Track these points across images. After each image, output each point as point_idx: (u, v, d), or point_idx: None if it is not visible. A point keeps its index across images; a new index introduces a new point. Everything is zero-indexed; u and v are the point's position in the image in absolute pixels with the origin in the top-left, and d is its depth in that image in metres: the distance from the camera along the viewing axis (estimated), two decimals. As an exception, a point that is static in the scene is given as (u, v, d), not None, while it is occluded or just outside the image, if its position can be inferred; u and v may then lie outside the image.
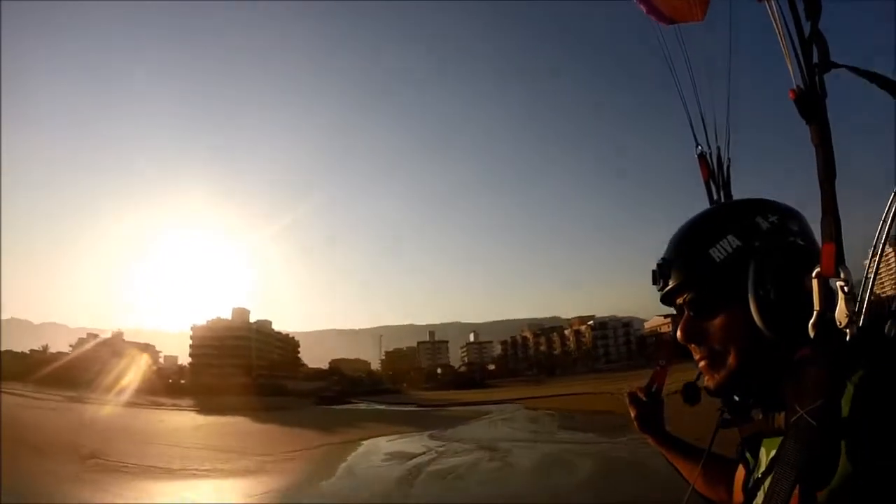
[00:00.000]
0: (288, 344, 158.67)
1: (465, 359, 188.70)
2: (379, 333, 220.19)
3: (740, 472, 1.25)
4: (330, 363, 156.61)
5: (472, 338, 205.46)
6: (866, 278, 1.16)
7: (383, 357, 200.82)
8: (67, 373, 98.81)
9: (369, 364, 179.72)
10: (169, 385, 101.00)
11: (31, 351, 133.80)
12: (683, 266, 1.09)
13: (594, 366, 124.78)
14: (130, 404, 58.32)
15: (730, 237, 1.03)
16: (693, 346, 1.09)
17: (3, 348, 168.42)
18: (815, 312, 0.89)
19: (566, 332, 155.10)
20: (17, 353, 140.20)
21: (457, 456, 25.89)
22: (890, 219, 1.09)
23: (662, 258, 1.14)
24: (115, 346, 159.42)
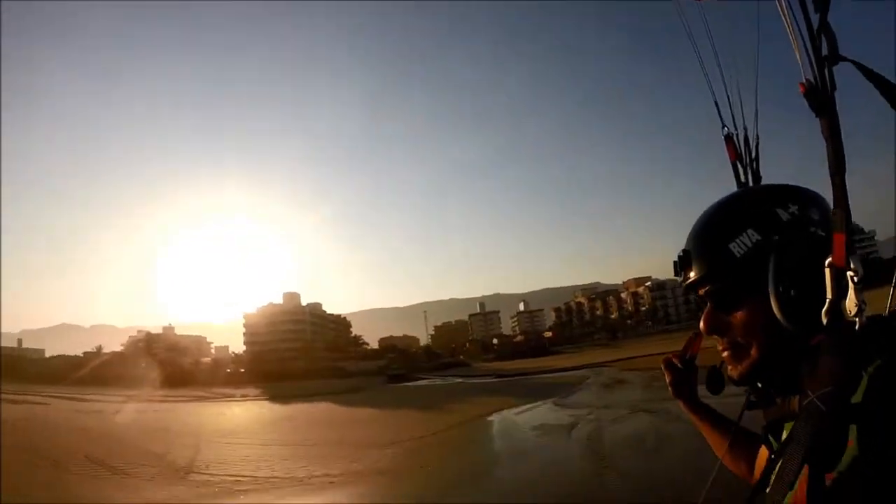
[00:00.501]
0: (341, 325, 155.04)
1: (517, 328, 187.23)
2: (423, 310, 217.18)
3: (763, 451, 1.29)
4: (380, 341, 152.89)
5: (521, 307, 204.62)
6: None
7: (432, 332, 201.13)
8: (124, 371, 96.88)
9: (418, 340, 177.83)
10: (228, 375, 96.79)
11: (85, 353, 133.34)
12: (703, 260, 1.08)
13: (657, 327, 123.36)
14: (198, 398, 53.82)
15: (749, 231, 1.03)
16: (716, 336, 1.11)
17: (55, 353, 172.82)
18: (827, 300, 0.90)
19: (622, 295, 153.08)
20: (69, 357, 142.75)
21: (618, 423, 22.00)
22: None
23: (683, 250, 1.13)
24: (167, 341, 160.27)
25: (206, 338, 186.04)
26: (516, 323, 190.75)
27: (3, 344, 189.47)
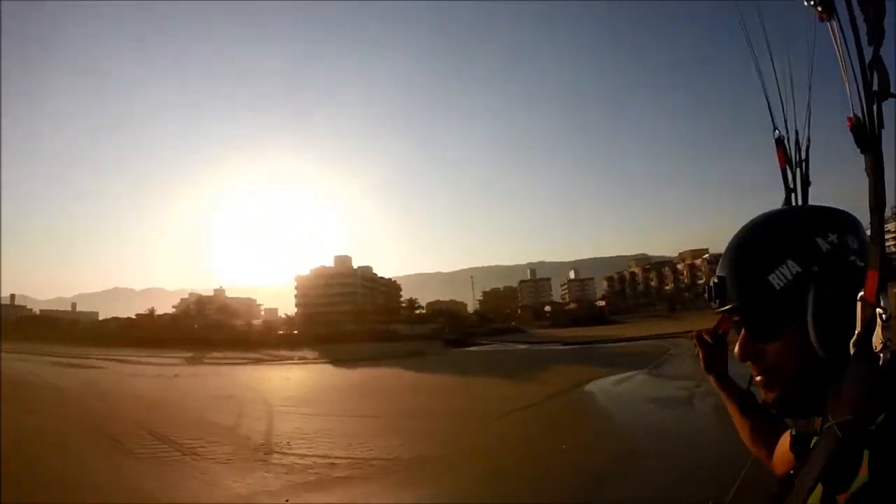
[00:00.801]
0: (391, 288, 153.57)
1: (567, 296, 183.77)
2: (469, 275, 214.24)
3: (784, 440, 1.31)
4: (427, 306, 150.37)
5: (572, 275, 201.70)
6: None
7: (480, 297, 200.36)
8: (177, 333, 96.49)
9: (465, 305, 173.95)
10: (281, 337, 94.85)
11: (137, 315, 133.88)
12: (741, 289, 1.06)
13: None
14: (254, 360, 51.76)
15: (790, 262, 1.00)
16: (750, 363, 1.10)
17: (109, 315, 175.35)
18: (856, 333, 0.90)
19: (678, 266, 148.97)
20: (122, 319, 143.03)
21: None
22: None
23: (718, 275, 1.11)
24: (218, 303, 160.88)
25: (255, 300, 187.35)
26: (566, 291, 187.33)
27: (59, 308, 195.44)
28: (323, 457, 13.74)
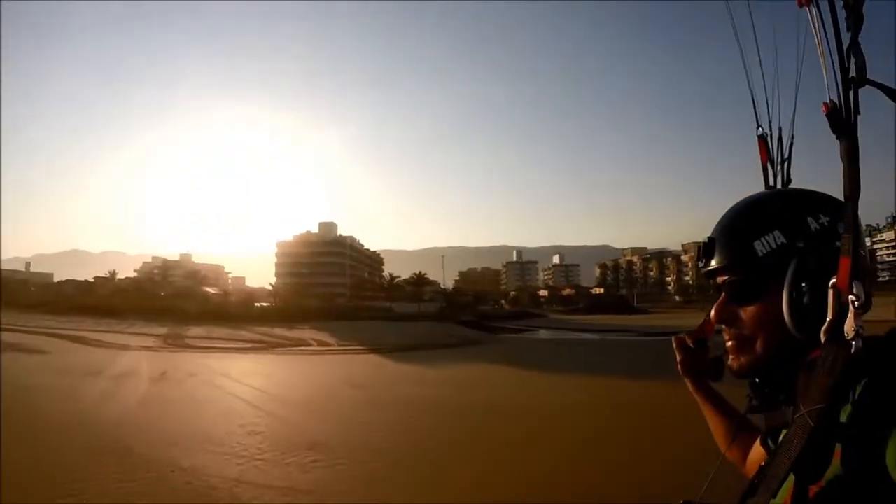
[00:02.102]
0: (375, 261, 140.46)
1: (551, 281, 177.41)
2: (440, 254, 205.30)
3: (758, 448, 1.32)
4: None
5: (556, 259, 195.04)
6: None
7: (457, 278, 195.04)
8: (142, 301, 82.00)
9: (437, 283, 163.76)
10: (269, 311, 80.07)
11: (96, 278, 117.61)
12: (726, 251, 1.08)
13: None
14: (259, 345, 36.58)
15: (776, 232, 1.02)
16: (724, 327, 1.11)
17: (65, 277, 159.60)
18: (828, 320, 0.90)
19: (682, 258, 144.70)
20: (79, 282, 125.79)
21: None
22: None
23: (709, 237, 1.12)
24: (185, 268, 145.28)
25: (223, 267, 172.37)
26: (550, 276, 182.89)
27: (12, 268, 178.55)
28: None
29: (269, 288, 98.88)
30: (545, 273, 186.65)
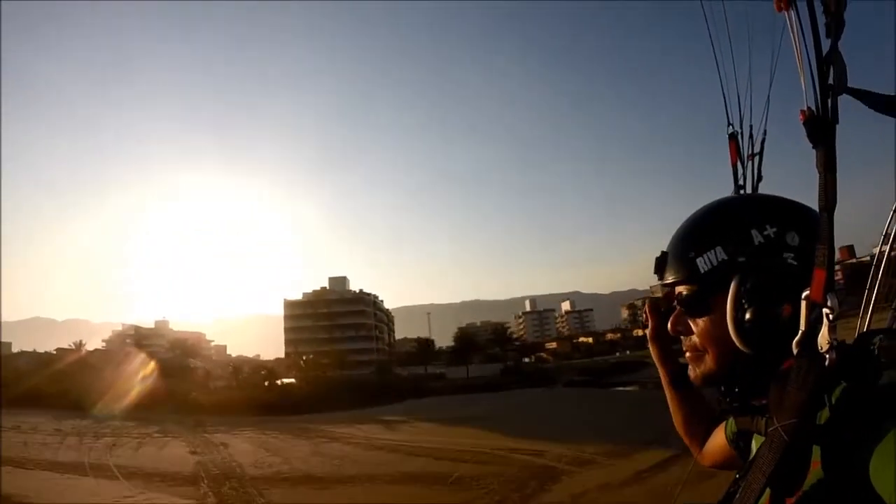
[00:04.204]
0: (389, 318, 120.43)
1: (566, 328, 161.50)
2: (426, 311, 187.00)
3: (720, 433, 1.32)
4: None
5: (567, 306, 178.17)
6: (866, 302, 1.36)
7: (457, 333, 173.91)
8: (120, 380, 60.59)
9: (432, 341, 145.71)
10: (282, 392, 57.11)
11: (57, 350, 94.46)
12: (674, 265, 1.08)
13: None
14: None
15: (717, 249, 1.01)
16: (682, 338, 1.11)
17: (26, 348, 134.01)
18: (800, 332, 0.88)
19: None
20: (40, 356, 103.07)
21: None
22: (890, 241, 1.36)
23: (663, 251, 1.13)
24: (165, 337, 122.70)
25: (205, 335, 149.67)
26: (564, 323, 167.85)
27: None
28: None
29: (257, 356, 78.77)
30: (560, 320, 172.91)
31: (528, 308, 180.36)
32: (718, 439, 1.30)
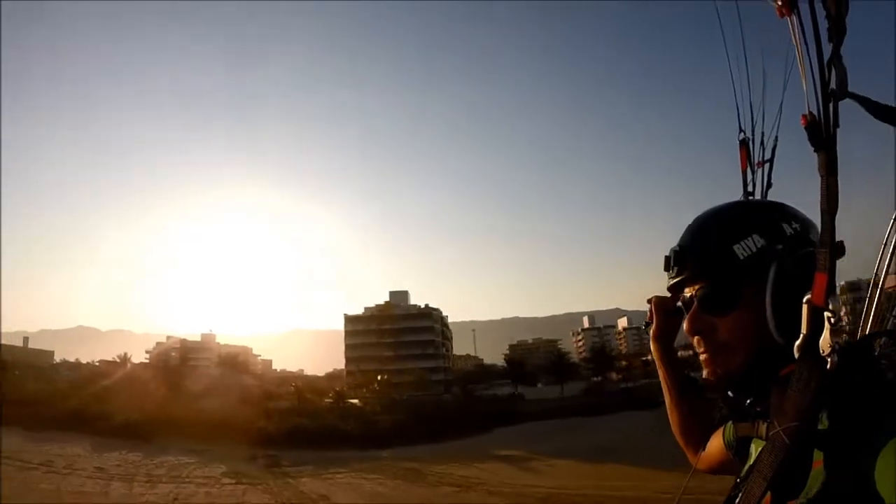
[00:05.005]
0: (450, 335, 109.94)
1: (625, 346, 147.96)
2: (468, 328, 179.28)
3: (718, 438, 1.28)
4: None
5: (625, 322, 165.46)
6: (866, 313, 1.38)
7: (507, 351, 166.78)
8: (170, 406, 52.22)
9: (481, 359, 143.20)
10: (360, 420, 45.21)
11: (101, 362, 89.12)
12: (703, 258, 1.03)
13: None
14: None
15: (755, 236, 0.98)
16: (698, 338, 1.04)
17: (69, 357, 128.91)
18: (801, 335, 0.87)
19: None
20: (82, 367, 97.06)
21: None
22: (890, 251, 1.39)
23: (679, 245, 1.07)
24: (213, 350, 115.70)
25: (251, 349, 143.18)
26: (622, 340, 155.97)
27: (5, 342, 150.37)
28: None
29: (300, 371, 71.51)
30: (578, 337, 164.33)
31: (585, 325, 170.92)
32: (716, 444, 1.27)
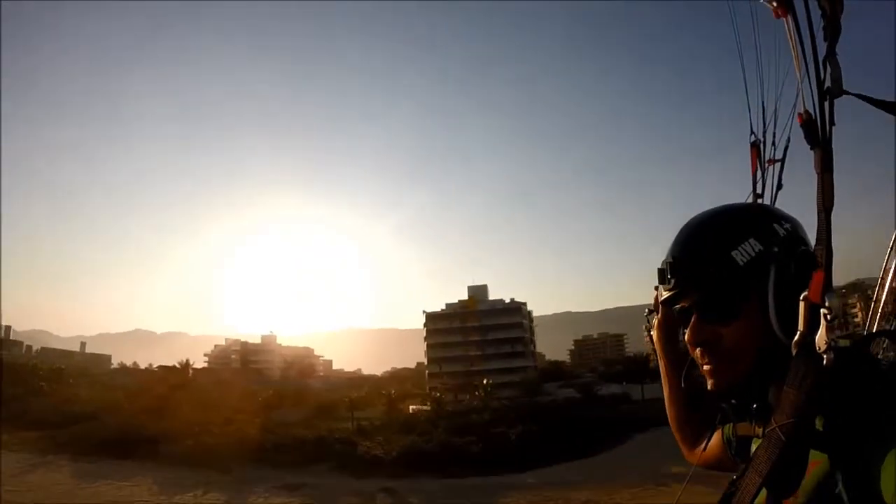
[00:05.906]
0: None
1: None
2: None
3: (717, 438, 1.27)
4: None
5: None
6: (873, 312, 1.43)
7: (571, 347, 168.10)
8: (243, 411, 44.31)
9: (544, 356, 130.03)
10: (484, 439, 35.00)
11: (159, 367, 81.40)
12: (700, 267, 1.00)
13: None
14: None
15: (751, 240, 0.96)
16: (700, 350, 1.01)
17: (126, 359, 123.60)
18: (798, 332, 0.87)
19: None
20: (141, 373, 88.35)
21: None
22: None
23: (672, 256, 1.04)
24: (272, 352, 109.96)
25: (313, 350, 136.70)
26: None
27: (63, 347, 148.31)
28: None
29: (358, 371, 63.88)
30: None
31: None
32: (715, 440, 1.25)
